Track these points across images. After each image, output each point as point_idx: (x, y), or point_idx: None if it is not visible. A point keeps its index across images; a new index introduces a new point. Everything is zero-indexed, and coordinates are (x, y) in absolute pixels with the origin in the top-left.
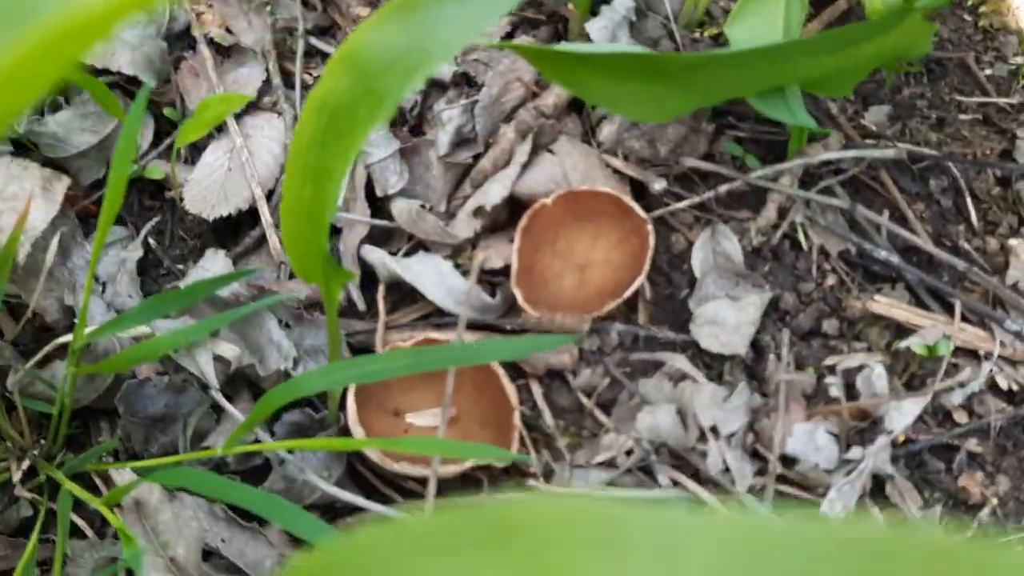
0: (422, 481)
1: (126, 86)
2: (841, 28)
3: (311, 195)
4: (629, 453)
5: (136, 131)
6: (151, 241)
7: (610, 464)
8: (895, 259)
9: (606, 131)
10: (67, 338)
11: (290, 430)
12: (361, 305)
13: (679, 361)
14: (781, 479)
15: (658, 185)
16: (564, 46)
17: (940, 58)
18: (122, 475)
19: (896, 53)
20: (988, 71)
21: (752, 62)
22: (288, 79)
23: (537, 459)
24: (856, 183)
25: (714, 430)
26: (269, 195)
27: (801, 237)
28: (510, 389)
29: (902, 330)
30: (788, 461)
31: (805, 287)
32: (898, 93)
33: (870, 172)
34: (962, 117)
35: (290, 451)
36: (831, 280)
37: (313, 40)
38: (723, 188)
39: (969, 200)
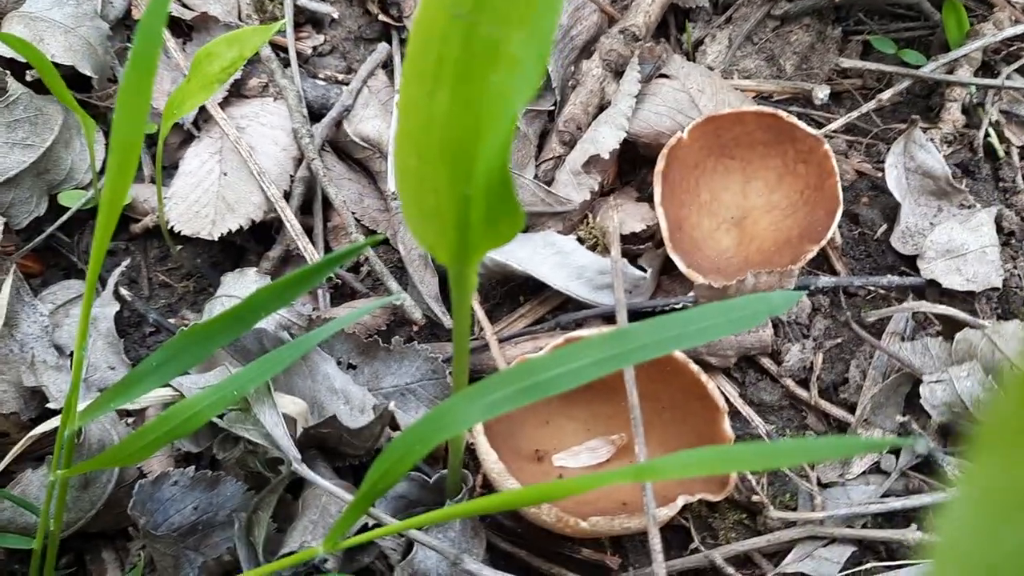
0: (600, 548)
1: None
2: None
3: (448, 105)
4: (895, 451)
5: (148, 99)
6: (124, 293)
7: (877, 470)
8: None
9: (712, 53)
10: (45, 427)
11: (397, 508)
12: (447, 321)
13: (922, 306)
14: None
15: (822, 93)
16: None
17: None
18: None
19: None
20: None
21: None
22: (279, 53)
23: (758, 482)
24: None
25: None
26: (286, 196)
27: (995, 139)
28: (710, 387)
29: None
30: None
31: (1019, 200)
32: None
33: None
34: None
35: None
36: None
37: (302, 1)
38: (886, 95)
39: None
